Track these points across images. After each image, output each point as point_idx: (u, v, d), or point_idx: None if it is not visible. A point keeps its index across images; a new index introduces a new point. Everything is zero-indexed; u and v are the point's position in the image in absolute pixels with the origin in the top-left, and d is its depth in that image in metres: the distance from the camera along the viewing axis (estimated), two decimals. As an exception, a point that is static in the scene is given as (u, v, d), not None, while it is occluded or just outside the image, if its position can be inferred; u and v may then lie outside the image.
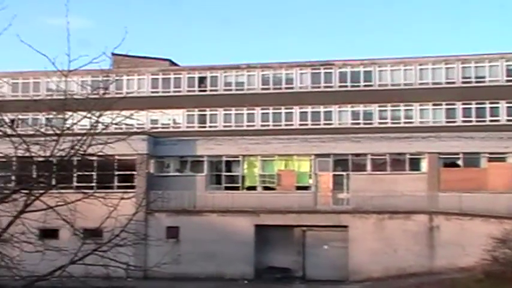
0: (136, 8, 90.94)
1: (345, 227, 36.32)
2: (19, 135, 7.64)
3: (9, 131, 7.70)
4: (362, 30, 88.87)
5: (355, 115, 46.03)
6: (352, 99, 45.67)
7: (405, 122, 44.94)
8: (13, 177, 9.17)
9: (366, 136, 39.31)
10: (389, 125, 44.69)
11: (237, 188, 39.62)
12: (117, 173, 34.97)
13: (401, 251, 34.79)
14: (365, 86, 46.04)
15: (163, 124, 47.35)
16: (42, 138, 7.79)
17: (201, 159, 40.28)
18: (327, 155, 38.87)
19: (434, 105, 44.94)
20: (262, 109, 46.98)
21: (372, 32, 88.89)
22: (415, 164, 38.29)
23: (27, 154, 7.78)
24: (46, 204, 7.86)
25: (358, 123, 45.45)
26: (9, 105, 9.93)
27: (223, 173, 40.31)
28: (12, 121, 8.20)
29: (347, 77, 46.36)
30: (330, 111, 46.19)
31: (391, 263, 34.54)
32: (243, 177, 40.12)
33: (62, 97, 8.12)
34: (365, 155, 38.58)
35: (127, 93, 36.13)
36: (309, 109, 46.44)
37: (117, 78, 8.83)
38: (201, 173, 39.98)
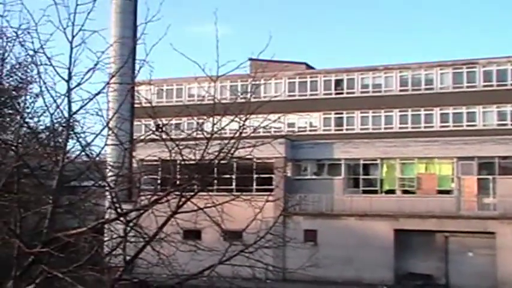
0: (271, 13, 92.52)
1: (492, 233, 34.46)
2: (172, 140, 7.96)
3: (163, 136, 8.05)
4: (508, 26, 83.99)
5: (501, 116, 43.70)
6: (498, 99, 43.34)
7: (560, 122, 41.92)
8: (159, 180, 9.57)
9: (514, 138, 37.18)
10: (540, 125, 41.87)
11: (375, 192, 38.96)
12: (257, 175, 35.71)
13: (556, 261, 32.36)
14: (513, 84, 43.52)
15: (300, 127, 47.60)
16: (192, 142, 8.06)
17: (338, 162, 40.04)
18: (471, 158, 37.15)
19: None
20: (400, 111, 45.85)
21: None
22: None
23: (177, 157, 8.08)
24: (196, 205, 8.12)
25: (505, 124, 43.03)
26: (156, 110, 10.38)
27: (361, 176, 39.81)
28: (158, 126, 8.51)
29: (492, 76, 44.04)
30: (474, 112, 44.19)
31: (545, 274, 32.23)
32: (382, 180, 39.37)
33: (210, 102, 8.37)
34: (513, 157, 36.43)
35: (265, 97, 36.82)
36: (450, 110, 44.73)
37: (257, 82, 8.99)
38: (339, 176, 39.74)
